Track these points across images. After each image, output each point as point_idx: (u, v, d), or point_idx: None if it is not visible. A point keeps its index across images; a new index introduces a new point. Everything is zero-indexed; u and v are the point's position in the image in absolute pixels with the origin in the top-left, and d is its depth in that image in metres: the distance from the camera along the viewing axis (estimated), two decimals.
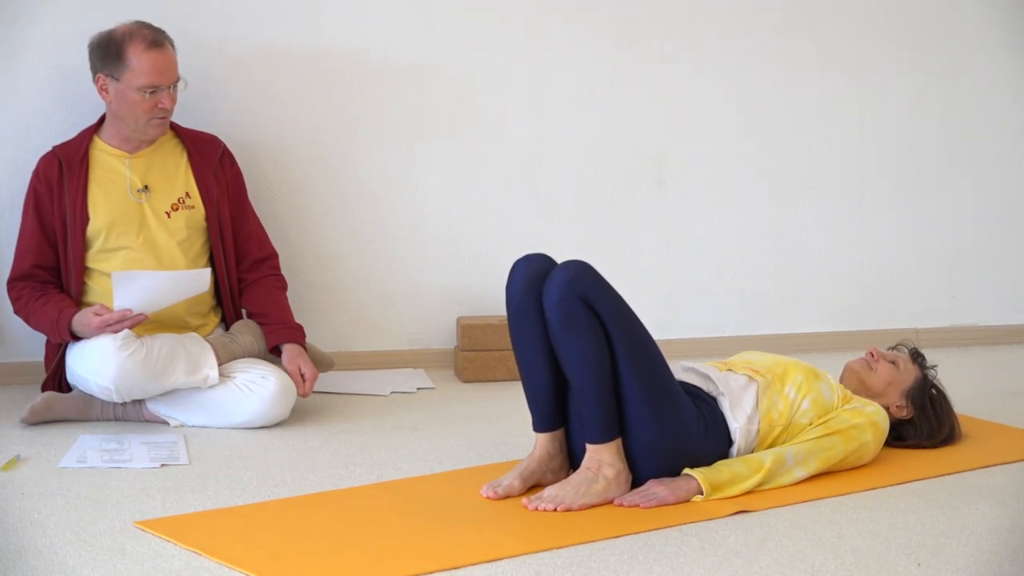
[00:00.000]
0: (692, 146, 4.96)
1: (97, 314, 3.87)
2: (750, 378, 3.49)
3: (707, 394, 3.48)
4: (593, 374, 3.26)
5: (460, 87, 4.73)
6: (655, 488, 3.30)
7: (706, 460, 3.38)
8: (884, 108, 5.13)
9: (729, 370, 3.55)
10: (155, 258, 4.03)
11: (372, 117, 4.66)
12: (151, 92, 3.97)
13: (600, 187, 4.89)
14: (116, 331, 3.87)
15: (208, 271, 3.99)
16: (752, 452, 3.44)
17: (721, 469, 3.35)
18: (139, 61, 3.95)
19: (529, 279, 3.35)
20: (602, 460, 3.30)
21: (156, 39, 3.98)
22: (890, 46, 5.11)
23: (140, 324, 3.90)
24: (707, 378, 3.52)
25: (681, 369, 3.58)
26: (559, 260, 3.39)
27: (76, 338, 3.94)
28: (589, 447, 3.31)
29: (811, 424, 3.48)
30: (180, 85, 4.04)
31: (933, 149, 5.20)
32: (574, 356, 3.26)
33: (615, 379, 3.29)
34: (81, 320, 3.91)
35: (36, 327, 4.06)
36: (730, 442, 3.42)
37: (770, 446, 3.46)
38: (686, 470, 3.34)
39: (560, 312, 3.26)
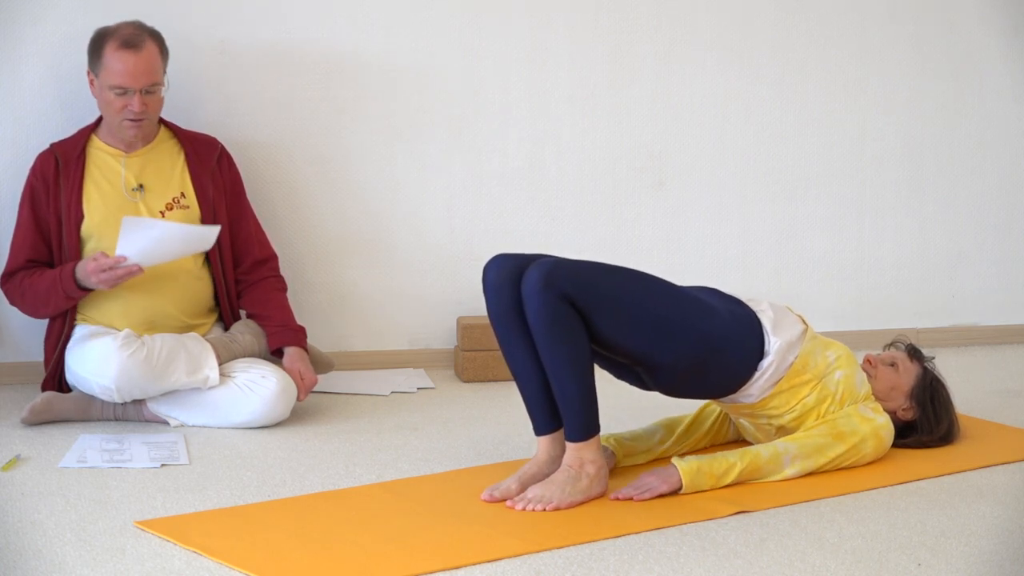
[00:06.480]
0: (692, 146, 4.96)
1: (94, 259, 3.86)
2: (802, 320, 3.55)
3: (747, 306, 3.51)
4: (577, 377, 3.26)
5: (460, 87, 4.73)
6: (646, 479, 3.33)
7: (735, 353, 3.39)
8: (884, 108, 5.13)
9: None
10: None
11: (372, 117, 4.66)
12: (120, 93, 3.95)
13: (600, 187, 4.89)
14: (110, 278, 3.85)
15: (217, 228, 3.97)
16: (777, 385, 3.44)
17: (711, 460, 3.38)
18: (111, 60, 3.93)
19: (501, 286, 3.33)
20: (584, 458, 3.30)
21: (132, 40, 3.92)
22: (890, 46, 5.11)
23: (135, 276, 3.86)
24: (755, 301, 3.56)
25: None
26: None
27: (82, 290, 3.92)
28: (570, 445, 3.32)
29: (834, 398, 3.49)
30: (162, 89, 3.98)
31: (933, 149, 5.20)
32: (558, 362, 3.26)
33: (620, 344, 3.30)
34: (82, 268, 3.89)
35: (34, 302, 4.00)
36: (762, 354, 3.42)
37: (794, 395, 3.46)
38: (673, 459, 3.36)
39: (544, 321, 3.24)
